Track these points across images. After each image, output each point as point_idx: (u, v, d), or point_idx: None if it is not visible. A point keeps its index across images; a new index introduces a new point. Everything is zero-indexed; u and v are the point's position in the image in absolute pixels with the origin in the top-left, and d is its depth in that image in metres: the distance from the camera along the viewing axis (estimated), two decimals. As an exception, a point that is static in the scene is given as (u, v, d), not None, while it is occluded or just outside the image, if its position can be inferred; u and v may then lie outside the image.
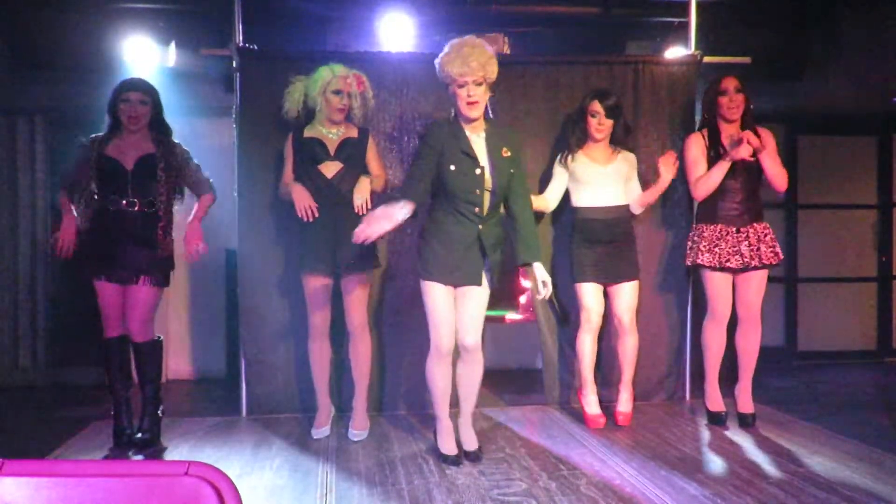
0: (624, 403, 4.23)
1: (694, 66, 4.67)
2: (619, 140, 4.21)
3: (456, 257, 3.40)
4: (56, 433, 4.09)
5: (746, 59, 4.61)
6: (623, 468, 3.43)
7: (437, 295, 3.42)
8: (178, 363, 5.86)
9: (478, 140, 3.42)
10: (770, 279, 4.23)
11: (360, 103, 3.96)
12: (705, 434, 4.05)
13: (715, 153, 4.07)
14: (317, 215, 3.78)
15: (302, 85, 3.95)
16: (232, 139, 4.44)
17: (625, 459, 3.56)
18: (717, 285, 4.10)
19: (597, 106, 4.08)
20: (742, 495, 3.06)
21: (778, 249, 4.10)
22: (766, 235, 4.08)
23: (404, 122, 4.45)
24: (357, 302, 3.94)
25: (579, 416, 4.27)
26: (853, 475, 3.29)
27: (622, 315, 4.15)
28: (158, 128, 3.89)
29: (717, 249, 4.06)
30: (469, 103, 3.34)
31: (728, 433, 4.04)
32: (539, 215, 4.27)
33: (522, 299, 6.69)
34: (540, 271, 3.48)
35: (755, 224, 4.08)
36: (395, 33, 5.26)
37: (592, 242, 4.13)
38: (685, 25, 4.71)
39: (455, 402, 3.67)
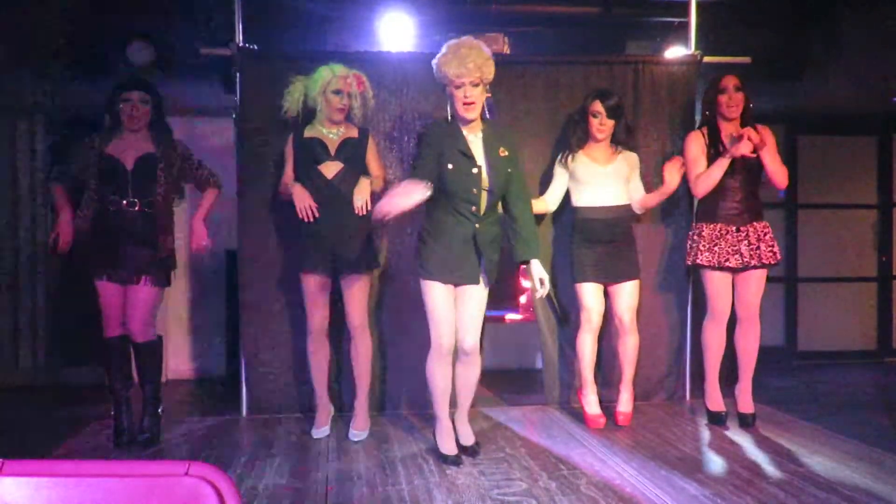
0: (624, 403, 4.23)
1: (694, 66, 4.66)
2: (621, 140, 4.21)
3: (454, 256, 3.42)
4: (56, 433, 4.09)
5: (746, 59, 4.61)
6: (623, 468, 3.43)
7: (436, 294, 3.43)
8: (178, 363, 5.86)
9: (475, 140, 3.44)
10: (770, 279, 4.23)
11: (361, 103, 3.96)
12: (705, 434, 4.05)
13: (715, 151, 4.07)
14: (317, 215, 3.78)
15: (302, 85, 3.95)
16: (232, 139, 4.44)
17: (625, 459, 3.56)
18: (717, 285, 4.10)
19: (598, 106, 4.08)
20: (742, 495, 3.06)
21: (776, 249, 4.09)
22: (765, 234, 4.08)
23: (404, 122, 4.45)
24: (357, 302, 3.94)
25: (579, 416, 4.27)
26: (853, 475, 3.29)
27: (622, 315, 4.15)
28: (158, 127, 3.89)
29: (716, 249, 4.06)
30: (466, 104, 3.36)
31: (728, 433, 4.04)
32: (540, 216, 4.28)
33: (522, 299, 6.70)
34: (537, 268, 3.51)
35: (755, 223, 4.08)
36: (395, 33, 5.26)
37: (593, 242, 4.13)
38: (685, 25, 4.71)
39: (453, 402, 3.68)
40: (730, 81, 4.06)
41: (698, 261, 4.10)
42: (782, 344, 6.57)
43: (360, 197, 3.80)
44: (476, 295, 3.53)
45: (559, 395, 4.64)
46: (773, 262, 4.08)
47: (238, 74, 4.36)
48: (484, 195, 3.42)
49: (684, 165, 4.13)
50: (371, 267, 4.01)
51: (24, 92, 5.55)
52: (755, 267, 4.06)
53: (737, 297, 4.14)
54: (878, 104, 6.29)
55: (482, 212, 3.43)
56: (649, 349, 4.53)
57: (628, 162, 4.19)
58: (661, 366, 4.70)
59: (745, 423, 4.13)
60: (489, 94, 3.50)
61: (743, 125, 4.06)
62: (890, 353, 6.69)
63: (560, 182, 4.24)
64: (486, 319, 4.43)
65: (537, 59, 4.73)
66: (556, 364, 4.64)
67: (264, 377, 4.41)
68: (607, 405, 4.28)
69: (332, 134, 3.92)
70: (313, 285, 3.90)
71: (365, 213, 3.81)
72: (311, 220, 3.78)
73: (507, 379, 5.62)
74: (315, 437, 3.97)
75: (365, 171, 3.96)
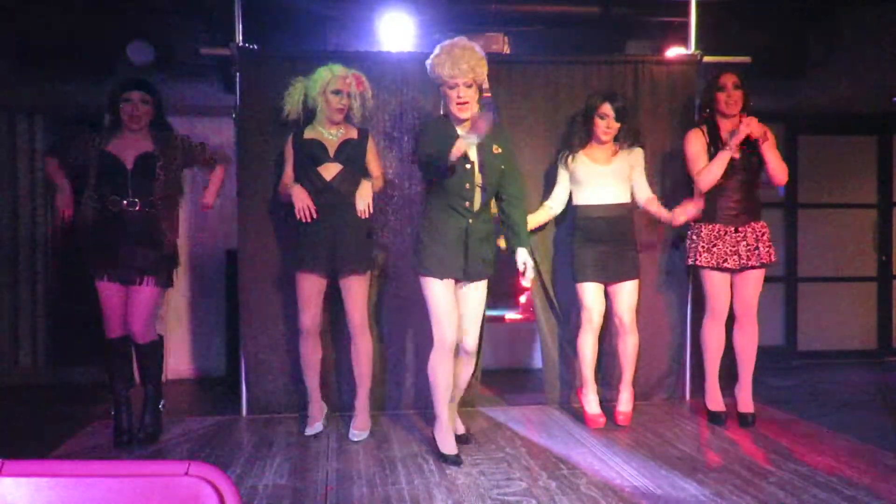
0: (624, 403, 4.23)
1: (694, 65, 4.67)
2: (624, 140, 4.18)
3: (449, 252, 3.48)
4: (56, 432, 4.09)
5: (746, 59, 4.61)
6: (623, 468, 3.43)
7: (436, 290, 3.47)
8: (178, 363, 5.86)
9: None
10: (770, 279, 4.24)
11: (360, 103, 3.96)
12: (705, 433, 4.05)
13: (714, 149, 4.08)
14: (315, 216, 3.78)
15: (301, 86, 3.95)
16: (232, 139, 4.44)
17: (625, 459, 3.56)
18: (716, 284, 4.11)
19: (607, 108, 4.06)
20: (742, 494, 3.06)
21: (772, 250, 4.10)
22: (763, 235, 4.09)
23: (404, 121, 4.45)
24: (357, 302, 3.94)
25: (579, 416, 4.27)
26: (853, 474, 3.29)
27: (622, 314, 4.15)
28: (159, 127, 3.90)
29: (715, 249, 4.07)
30: (459, 104, 3.42)
31: (728, 432, 4.04)
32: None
33: (522, 299, 6.70)
34: (522, 255, 3.59)
35: (753, 223, 4.09)
36: (395, 33, 5.27)
37: (593, 241, 4.13)
38: (685, 25, 4.70)
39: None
40: (728, 79, 4.07)
41: (697, 261, 4.11)
42: (782, 343, 6.57)
43: (363, 200, 3.84)
44: (475, 294, 3.61)
45: (559, 395, 4.64)
46: (769, 262, 4.09)
47: (238, 74, 4.36)
48: (478, 192, 3.48)
49: (695, 207, 4.07)
50: (370, 267, 4.02)
51: (24, 92, 5.56)
52: (753, 267, 4.06)
53: (735, 296, 4.15)
54: (878, 104, 6.29)
55: (476, 208, 3.49)
56: (649, 349, 4.53)
57: (630, 159, 4.17)
58: (661, 365, 4.70)
59: (745, 422, 4.13)
60: (489, 95, 3.51)
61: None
62: (890, 352, 6.69)
63: (563, 184, 4.24)
64: (486, 319, 4.45)
65: (537, 59, 4.73)
66: (557, 363, 4.64)
67: (264, 377, 4.41)
68: (607, 405, 4.28)
69: (331, 135, 3.93)
70: (308, 286, 3.90)
71: (367, 216, 3.84)
72: (310, 220, 3.78)
73: (507, 379, 5.62)
74: (308, 433, 3.98)
75: (364, 172, 3.96)
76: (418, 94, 4.42)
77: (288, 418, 4.32)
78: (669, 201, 4.56)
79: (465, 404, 4.46)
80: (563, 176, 4.24)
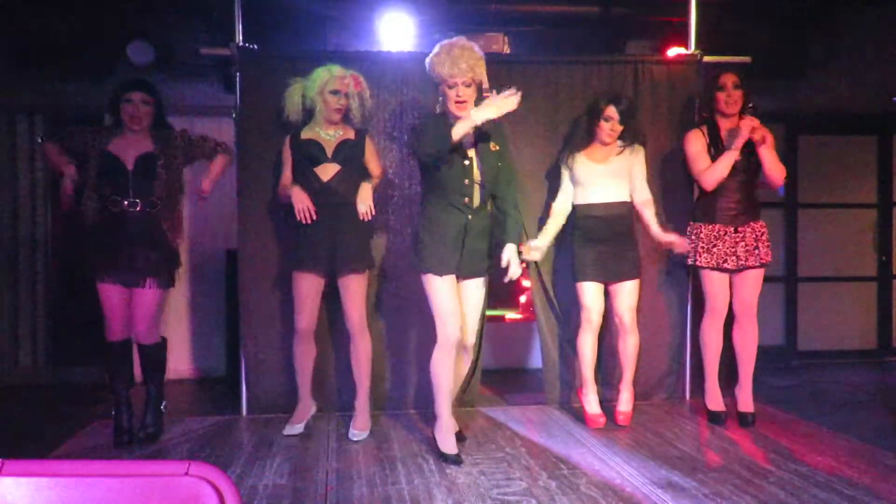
0: (624, 403, 4.23)
1: (694, 65, 4.66)
2: (626, 141, 4.17)
3: (448, 248, 3.49)
4: (56, 432, 4.09)
5: (746, 59, 4.61)
6: (623, 468, 3.43)
7: (438, 287, 3.48)
8: (178, 363, 5.85)
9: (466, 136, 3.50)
10: (770, 279, 4.25)
11: (358, 103, 3.97)
12: (705, 433, 4.05)
13: (714, 149, 4.08)
14: (315, 218, 3.79)
15: (300, 87, 3.96)
16: (232, 139, 4.44)
17: (625, 459, 3.56)
18: (715, 284, 4.12)
19: (612, 111, 4.05)
20: (742, 494, 3.06)
21: (769, 251, 4.11)
22: (762, 235, 4.10)
23: (404, 121, 4.45)
24: (355, 301, 3.94)
25: (579, 416, 4.27)
26: (853, 474, 3.29)
27: (623, 314, 4.15)
28: (160, 128, 3.90)
29: (714, 250, 4.07)
30: (458, 103, 3.45)
31: (728, 432, 4.04)
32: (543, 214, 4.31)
33: (522, 299, 6.70)
34: (508, 252, 3.58)
35: (753, 223, 4.09)
36: (395, 33, 5.27)
37: (593, 241, 4.13)
38: (685, 25, 4.71)
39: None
40: (728, 79, 4.08)
41: (697, 262, 4.11)
42: (782, 343, 6.56)
43: (364, 203, 3.86)
44: (475, 291, 3.64)
45: (559, 395, 4.64)
46: (767, 262, 4.10)
47: (238, 74, 4.36)
48: (476, 188, 3.50)
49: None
50: (369, 266, 4.02)
51: (24, 92, 5.56)
52: (752, 267, 4.07)
53: (734, 295, 4.15)
54: (878, 104, 6.29)
55: (475, 204, 3.51)
56: (649, 349, 4.53)
57: (629, 158, 4.15)
58: (661, 365, 4.70)
59: (745, 422, 4.13)
60: (489, 95, 3.51)
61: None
62: (890, 352, 6.69)
63: (566, 184, 4.24)
64: (486, 319, 4.46)
65: (537, 59, 4.74)
66: (557, 363, 4.64)
67: (264, 377, 4.42)
68: (607, 404, 4.29)
69: (329, 135, 3.93)
70: (306, 286, 3.90)
71: (369, 218, 3.86)
72: (310, 222, 3.78)
73: (507, 379, 5.62)
74: (286, 433, 3.98)
75: (362, 173, 3.97)
76: (418, 93, 4.42)
77: (288, 418, 4.30)
78: (669, 201, 4.58)
79: (465, 404, 4.47)
80: (565, 176, 4.24)
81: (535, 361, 5.77)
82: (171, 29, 5.43)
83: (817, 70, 6.03)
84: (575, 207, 4.22)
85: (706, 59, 4.65)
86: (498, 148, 3.56)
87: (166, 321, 5.63)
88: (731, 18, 5.35)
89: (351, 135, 3.98)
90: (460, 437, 3.78)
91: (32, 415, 4.92)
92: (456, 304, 3.51)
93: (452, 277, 3.51)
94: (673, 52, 5.08)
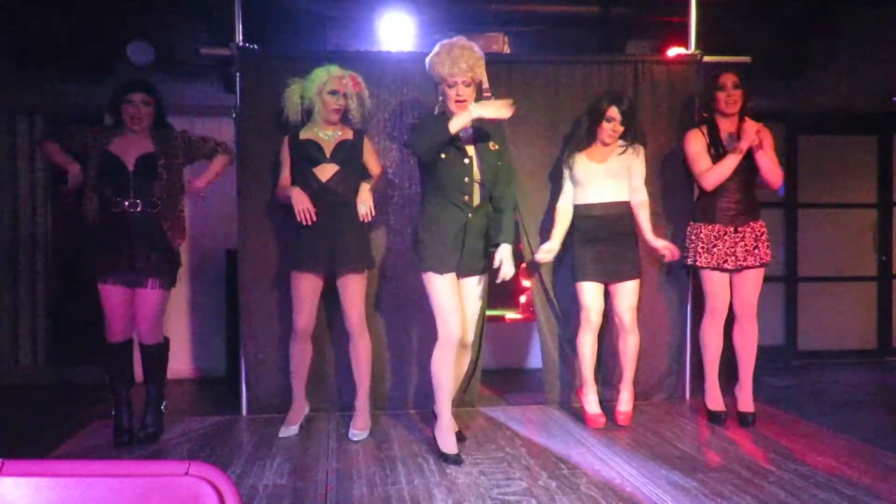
0: (624, 403, 4.23)
1: (694, 65, 4.66)
2: (627, 140, 4.17)
3: (449, 247, 3.49)
4: (56, 432, 4.09)
5: (746, 59, 4.61)
6: (623, 468, 3.43)
7: (439, 285, 3.48)
8: (178, 363, 5.84)
9: (465, 134, 3.52)
10: (770, 279, 4.25)
11: (357, 104, 3.98)
12: (705, 433, 4.05)
13: (714, 150, 4.08)
14: (315, 219, 3.79)
15: (298, 88, 3.96)
16: (232, 139, 4.44)
17: (625, 459, 3.56)
18: (716, 284, 4.12)
19: (614, 112, 4.04)
20: (742, 494, 3.06)
21: (769, 250, 4.11)
22: (762, 234, 4.10)
23: (404, 121, 4.45)
24: (355, 301, 3.94)
25: (579, 416, 4.27)
26: (853, 474, 3.29)
27: (623, 314, 4.15)
28: (160, 128, 3.90)
29: (715, 250, 4.07)
30: (458, 102, 3.45)
31: (728, 432, 4.04)
32: (542, 214, 4.30)
33: (522, 299, 6.70)
34: (501, 251, 3.56)
35: (752, 223, 4.09)
36: (395, 33, 5.27)
37: (592, 240, 4.13)
38: (685, 25, 4.70)
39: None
40: (728, 78, 4.08)
41: (697, 262, 4.11)
42: (782, 343, 6.57)
43: (364, 205, 3.87)
44: (475, 289, 3.65)
45: (559, 395, 4.64)
46: (767, 261, 4.10)
47: (238, 74, 4.36)
48: (476, 187, 3.51)
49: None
50: (368, 266, 4.02)
51: (24, 92, 5.56)
52: (752, 266, 4.07)
53: (735, 295, 4.15)
54: (878, 104, 6.29)
55: (475, 203, 3.52)
56: (649, 348, 4.53)
57: (629, 157, 4.14)
58: (661, 365, 4.70)
59: (745, 422, 4.13)
60: (489, 94, 3.52)
61: (741, 122, 4.08)
62: (890, 352, 6.69)
63: (567, 185, 4.24)
64: (486, 319, 4.46)
65: (537, 59, 4.73)
66: (557, 363, 4.64)
67: (264, 377, 4.41)
68: (607, 404, 4.29)
69: (327, 136, 3.93)
70: (305, 286, 3.91)
71: (369, 220, 3.87)
72: (310, 223, 3.79)
73: (507, 379, 5.63)
74: (281, 435, 3.97)
75: (361, 173, 3.97)
76: (418, 93, 4.42)
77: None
78: (669, 201, 4.58)
79: (465, 404, 4.47)
80: (566, 176, 4.24)
81: (535, 361, 5.78)
82: (171, 29, 5.43)
83: (817, 70, 6.03)
84: (575, 207, 4.22)
85: (706, 59, 4.65)
86: (498, 147, 3.57)
87: (166, 321, 5.64)
88: (731, 18, 5.35)
89: (349, 135, 3.98)
90: (460, 437, 3.77)
91: (32, 415, 4.92)
92: (457, 302, 3.51)
93: (453, 276, 3.51)
94: (673, 52, 5.09)
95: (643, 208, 4.16)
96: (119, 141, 3.80)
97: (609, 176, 4.13)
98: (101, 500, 1.33)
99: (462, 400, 4.36)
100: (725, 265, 4.06)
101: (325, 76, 3.87)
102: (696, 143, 4.14)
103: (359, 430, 3.96)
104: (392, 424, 4.21)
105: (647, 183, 4.24)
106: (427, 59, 3.50)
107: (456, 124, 3.36)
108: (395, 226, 4.47)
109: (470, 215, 3.51)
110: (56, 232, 5.83)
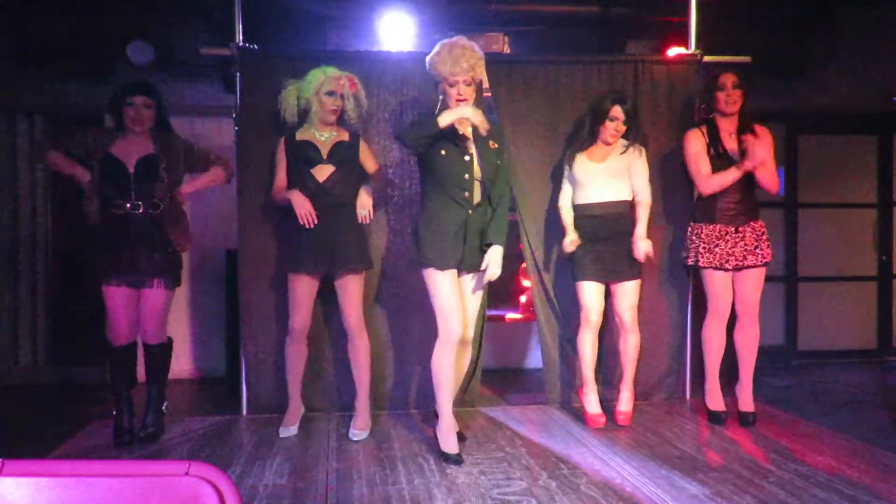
0: (624, 403, 4.23)
1: (694, 65, 4.66)
2: (628, 140, 4.17)
3: (450, 243, 3.50)
4: (56, 432, 4.09)
5: (746, 59, 4.61)
6: (623, 467, 3.43)
7: (440, 281, 3.49)
8: (178, 363, 5.83)
9: (465, 132, 3.54)
10: (770, 278, 4.25)
11: (354, 104, 3.97)
12: (705, 433, 4.05)
13: (714, 150, 4.08)
14: (317, 221, 3.79)
15: (295, 89, 3.96)
16: (232, 139, 4.44)
17: (625, 459, 3.56)
18: (717, 284, 4.11)
19: (617, 111, 4.04)
20: (742, 494, 3.06)
21: (770, 249, 4.11)
22: (762, 234, 4.10)
23: (404, 121, 4.45)
24: (353, 301, 3.94)
25: (580, 416, 4.27)
26: (853, 474, 3.29)
27: (623, 314, 4.15)
28: (161, 129, 3.90)
29: (717, 250, 4.07)
30: (459, 101, 3.46)
31: (728, 432, 4.04)
32: (545, 214, 4.30)
33: (522, 299, 6.70)
34: (492, 252, 3.53)
35: (752, 223, 4.09)
36: (395, 33, 5.27)
37: (592, 240, 4.13)
38: (685, 25, 4.70)
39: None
40: (728, 78, 4.08)
41: (698, 262, 4.11)
42: (782, 343, 6.57)
43: (363, 208, 3.88)
44: (474, 285, 3.65)
45: (559, 395, 4.64)
46: (768, 261, 4.10)
47: (238, 74, 4.36)
48: (477, 185, 3.52)
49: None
50: (367, 267, 4.02)
51: (24, 92, 5.56)
52: (753, 266, 4.07)
53: (736, 295, 4.15)
54: (878, 104, 6.29)
55: (475, 200, 3.53)
56: (650, 348, 4.53)
57: (629, 157, 4.13)
58: (662, 365, 4.70)
59: (746, 422, 4.13)
60: (489, 94, 3.53)
61: (741, 122, 4.08)
62: (890, 351, 6.69)
63: (567, 185, 4.24)
64: (486, 319, 4.46)
65: (537, 59, 4.73)
66: (557, 363, 4.64)
67: (264, 377, 4.41)
68: (607, 404, 4.28)
69: (323, 136, 3.93)
70: (302, 287, 3.91)
71: (368, 222, 3.89)
72: (311, 225, 3.78)
73: (507, 379, 5.63)
74: (282, 435, 3.97)
75: (358, 173, 3.98)
76: (418, 93, 4.42)
77: (288, 418, 4.32)
78: (669, 201, 4.58)
79: (465, 404, 4.46)
80: (566, 173, 4.24)
81: (535, 361, 5.78)
82: (171, 29, 5.43)
83: (817, 70, 6.03)
84: (575, 207, 4.22)
85: (706, 59, 4.65)
86: (497, 146, 3.59)
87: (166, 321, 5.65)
88: (731, 18, 5.35)
89: (345, 136, 3.98)
90: (461, 437, 3.76)
91: (32, 415, 4.92)
92: (457, 299, 3.51)
93: (454, 272, 3.52)
94: (673, 52, 5.08)
95: (643, 208, 4.15)
96: (120, 143, 3.80)
97: (609, 175, 4.12)
98: (101, 500, 1.33)
99: (462, 400, 4.36)
100: (727, 265, 4.06)
101: (322, 77, 3.87)
102: (695, 143, 4.14)
103: (359, 430, 3.97)
104: (392, 424, 4.21)
105: (648, 183, 4.24)
106: (428, 59, 3.51)
107: (446, 119, 3.37)
108: (395, 226, 4.47)
109: (470, 212, 3.51)
110: (56, 232, 5.83)
